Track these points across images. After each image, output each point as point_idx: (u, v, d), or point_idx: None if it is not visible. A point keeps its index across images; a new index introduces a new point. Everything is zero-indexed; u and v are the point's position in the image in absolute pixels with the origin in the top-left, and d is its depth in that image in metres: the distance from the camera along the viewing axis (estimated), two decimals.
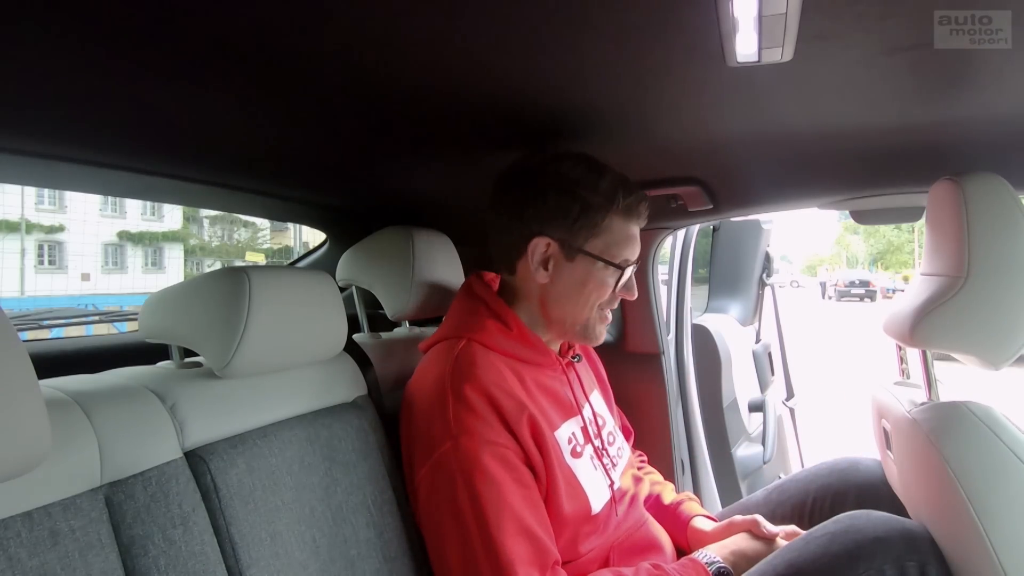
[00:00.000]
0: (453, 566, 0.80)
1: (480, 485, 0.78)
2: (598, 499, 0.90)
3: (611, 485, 0.93)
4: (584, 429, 0.94)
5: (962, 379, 1.41)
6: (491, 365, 0.85)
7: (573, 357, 1.00)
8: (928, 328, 0.81)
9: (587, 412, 0.96)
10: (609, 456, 0.97)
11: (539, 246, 0.89)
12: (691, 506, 1.08)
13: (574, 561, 0.87)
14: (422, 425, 0.85)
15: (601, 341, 0.96)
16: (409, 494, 0.88)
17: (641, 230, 0.95)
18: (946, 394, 0.91)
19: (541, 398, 0.88)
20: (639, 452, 1.21)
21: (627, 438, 1.14)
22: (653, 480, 1.14)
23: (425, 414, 0.84)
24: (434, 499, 0.82)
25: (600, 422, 0.99)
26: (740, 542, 0.96)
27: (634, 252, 0.93)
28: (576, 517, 0.86)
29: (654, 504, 1.09)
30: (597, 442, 0.95)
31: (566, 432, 0.90)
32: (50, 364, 0.70)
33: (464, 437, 0.79)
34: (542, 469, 0.83)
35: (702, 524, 1.04)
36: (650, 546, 0.97)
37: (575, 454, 0.89)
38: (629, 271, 0.92)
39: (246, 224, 17.91)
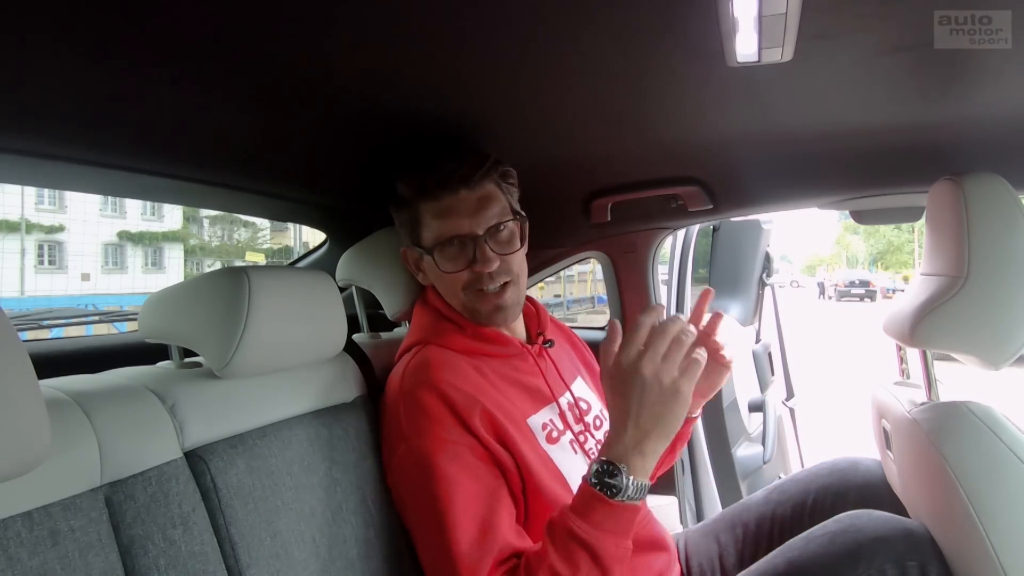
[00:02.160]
0: (424, 561, 0.81)
1: (432, 483, 0.78)
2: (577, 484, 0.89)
3: None
4: (562, 415, 0.93)
5: (962, 379, 1.41)
6: (446, 363, 0.86)
7: (544, 343, 0.99)
8: (928, 328, 0.81)
9: (566, 398, 0.95)
10: (595, 439, 0.95)
11: (408, 255, 0.97)
12: None
13: None
14: (384, 433, 0.88)
15: (501, 322, 0.92)
16: None
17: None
18: (946, 394, 0.91)
19: (507, 388, 0.88)
20: None
21: None
22: None
23: (386, 420, 0.87)
24: (399, 501, 0.85)
25: (584, 406, 0.97)
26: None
27: (449, 226, 0.88)
28: (562, 502, 0.85)
29: None
30: (578, 427, 0.94)
31: (541, 419, 0.89)
32: (50, 364, 0.70)
33: (415, 439, 0.81)
34: (510, 461, 0.82)
35: None
36: (652, 542, 0.96)
37: (551, 439, 0.89)
38: (449, 249, 0.89)
39: (246, 224, 17.92)
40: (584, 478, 0.72)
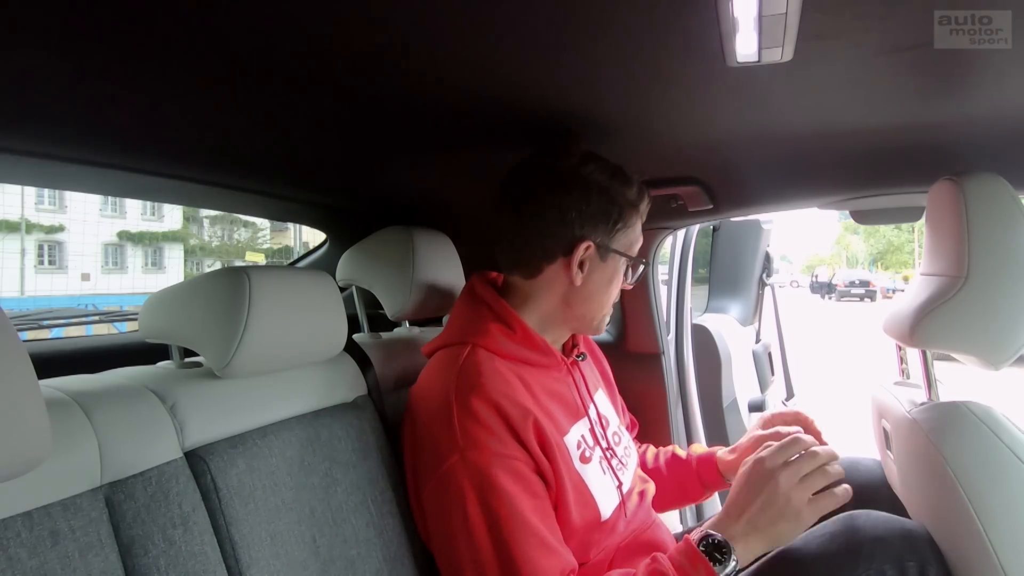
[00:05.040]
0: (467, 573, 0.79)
1: (492, 500, 0.77)
2: (607, 505, 0.89)
3: (619, 487, 0.93)
4: (592, 431, 0.93)
5: (962, 379, 1.41)
6: (496, 372, 0.84)
7: (578, 356, 0.99)
8: (928, 328, 0.81)
9: (592, 413, 0.95)
10: (617, 457, 0.96)
11: (588, 250, 0.88)
12: (701, 448, 1.14)
13: (582, 566, 0.86)
14: (427, 436, 0.83)
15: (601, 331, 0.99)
16: (413, 508, 0.87)
17: (641, 230, 0.96)
18: (946, 394, 0.91)
19: (548, 402, 0.87)
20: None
21: (631, 430, 1.14)
22: (660, 451, 1.17)
23: (430, 425, 0.83)
24: (444, 515, 0.80)
25: (605, 422, 0.98)
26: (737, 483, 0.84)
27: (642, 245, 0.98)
28: (585, 525, 0.85)
29: (671, 462, 1.13)
30: (604, 443, 0.94)
31: (575, 436, 0.89)
32: (50, 364, 0.70)
33: (472, 451, 0.78)
34: (551, 476, 0.82)
35: (724, 454, 1.08)
36: (656, 548, 0.96)
37: (584, 459, 0.88)
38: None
39: (246, 224, 17.92)
40: (689, 539, 0.78)
